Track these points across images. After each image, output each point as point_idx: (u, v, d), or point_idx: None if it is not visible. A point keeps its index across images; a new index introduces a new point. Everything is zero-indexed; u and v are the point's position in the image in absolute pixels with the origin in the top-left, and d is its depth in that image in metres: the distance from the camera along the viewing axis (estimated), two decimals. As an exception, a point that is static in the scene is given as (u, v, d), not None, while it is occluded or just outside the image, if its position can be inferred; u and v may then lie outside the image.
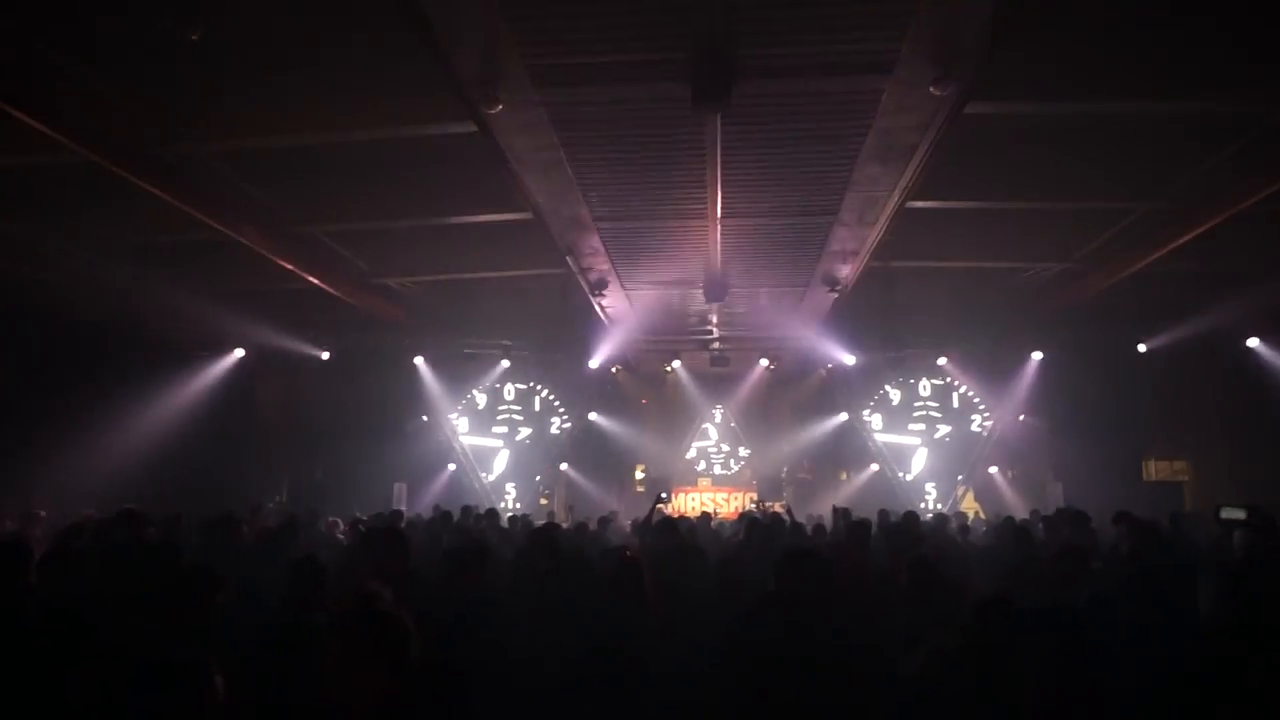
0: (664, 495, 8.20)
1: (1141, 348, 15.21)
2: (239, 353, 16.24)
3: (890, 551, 6.18)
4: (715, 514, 15.17)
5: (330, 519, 11.22)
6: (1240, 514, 3.94)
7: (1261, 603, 3.69)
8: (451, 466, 17.84)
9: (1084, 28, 7.03)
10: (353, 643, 2.42)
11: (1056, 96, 7.89)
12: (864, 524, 7.25)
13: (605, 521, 11.25)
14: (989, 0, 5.50)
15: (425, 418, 17.89)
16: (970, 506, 16.61)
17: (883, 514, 10.54)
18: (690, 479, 19.31)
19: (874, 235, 10.14)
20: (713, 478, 19.55)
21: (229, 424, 15.65)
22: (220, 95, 8.37)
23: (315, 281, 12.76)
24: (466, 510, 11.30)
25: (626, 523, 12.49)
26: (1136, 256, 11.36)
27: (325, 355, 16.71)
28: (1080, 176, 9.63)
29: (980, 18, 5.69)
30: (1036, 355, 16.44)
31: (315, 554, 4.79)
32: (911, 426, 18.59)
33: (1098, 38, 7.17)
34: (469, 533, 8.90)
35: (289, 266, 11.93)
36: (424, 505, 14.34)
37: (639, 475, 19.88)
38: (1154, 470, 16.40)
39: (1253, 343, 14.60)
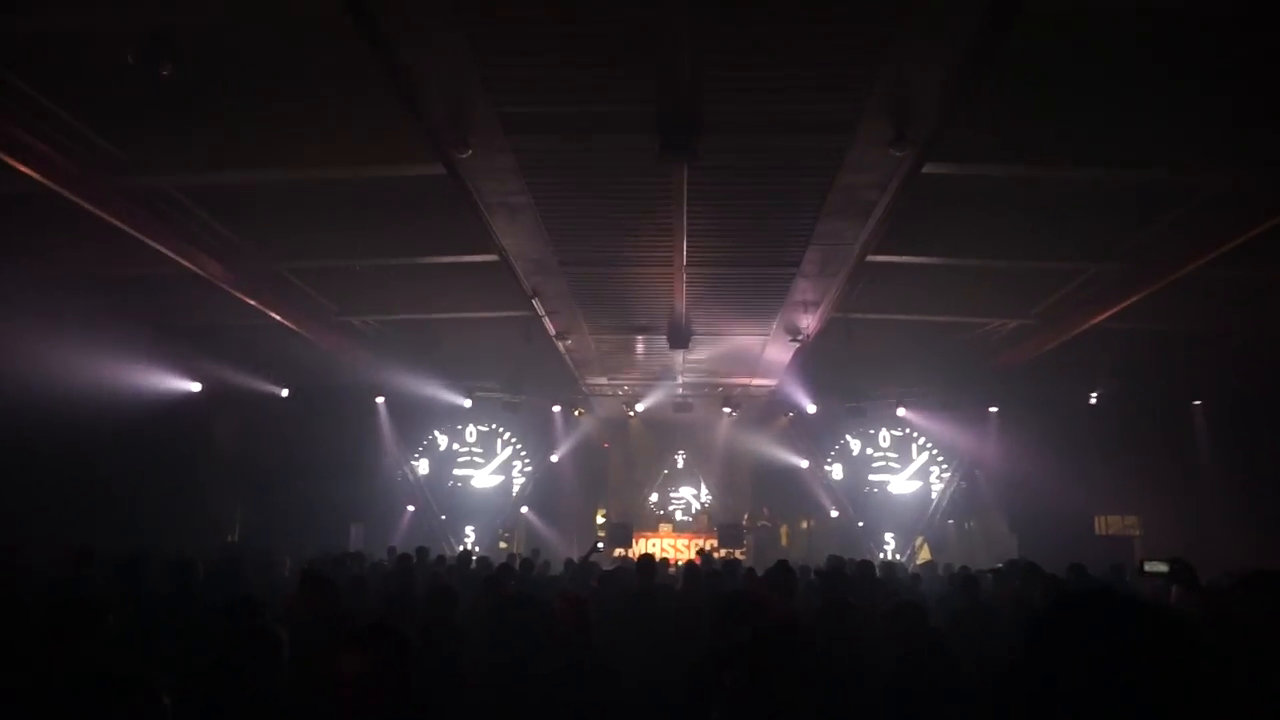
0: (598, 545, 8.68)
1: (1093, 399, 15.58)
2: (194, 387, 15.97)
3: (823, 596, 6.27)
4: (675, 562, 15.10)
5: (283, 559, 10.99)
6: (1163, 567, 4.05)
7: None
8: (411, 508, 17.61)
9: (1039, 96, 7.33)
10: (369, 655, 2.61)
11: (1011, 160, 8.19)
12: (788, 571, 7.27)
13: (570, 564, 11.24)
14: (944, 68, 5.73)
15: (385, 458, 17.69)
16: (926, 557, 16.73)
17: (833, 559, 10.59)
18: (651, 524, 19.25)
19: (835, 287, 10.35)
20: (674, 523, 19.50)
21: (184, 461, 15.32)
22: (188, 130, 8.36)
23: (278, 319, 12.66)
24: (422, 552, 11.12)
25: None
26: (1087, 315, 11.71)
27: (284, 392, 16.50)
28: (1033, 236, 9.93)
29: (937, 84, 5.93)
30: (993, 409, 16.76)
31: (251, 594, 4.74)
32: (871, 477, 18.79)
33: (1052, 106, 7.47)
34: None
35: (253, 303, 11.84)
36: (384, 546, 14.10)
37: (599, 519, 19.78)
38: (1107, 525, 16.69)
39: (1196, 404, 15.04)
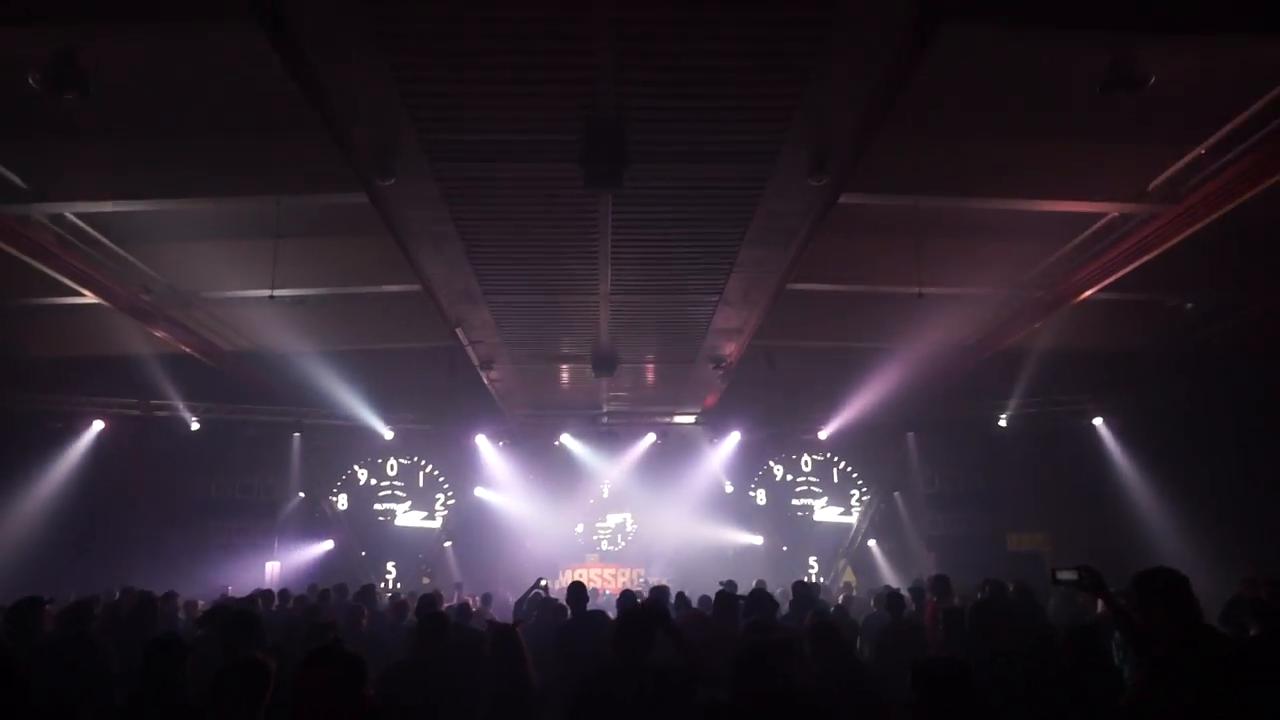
0: (543, 581, 8.66)
1: (1002, 421, 16.22)
2: (97, 425, 15.27)
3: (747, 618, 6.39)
4: (601, 591, 15.01)
5: (190, 600, 10.53)
6: (1073, 575, 4.28)
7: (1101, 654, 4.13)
8: (329, 544, 17.08)
9: (946, 131, 7.70)
10: (324, 674, 2.75)
11: (924, 191, 8.56)
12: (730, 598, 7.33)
13: (488, 599, 11.08)
14: (860, 102, 5.97)
15: (301, 494, 17.15)
16: (849, 579, 17.06)
17: (759, 584, 10.71)
18: (579, 556, 19.08)
19: (757, 315, 10.55)
20: (600, 554, 19.37)
21: (85, 498, 14.60)
22: (95, 157, 8.06)
23: (187, 350, 12.24)
24: (341, 589, 10.79)
25: (511, 599, 12.22)
26: (995, 340, 12.22)
27: (195, 425, 15.87)
28: (947, 264, 10.35)
29: (854, 116, 6.17)
30: (910, 434, 17.28)
31: (175, 632, 4.58)
32: (794, 501, 19.07)
33: (966, 138, 7.86)
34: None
35: (159, 334, 11.42)
36: (299, 584, 13.62)
37: (525, 552, 19.48)
38: (1017, 542, 17.30)
39: (1096, 421, 15.79)
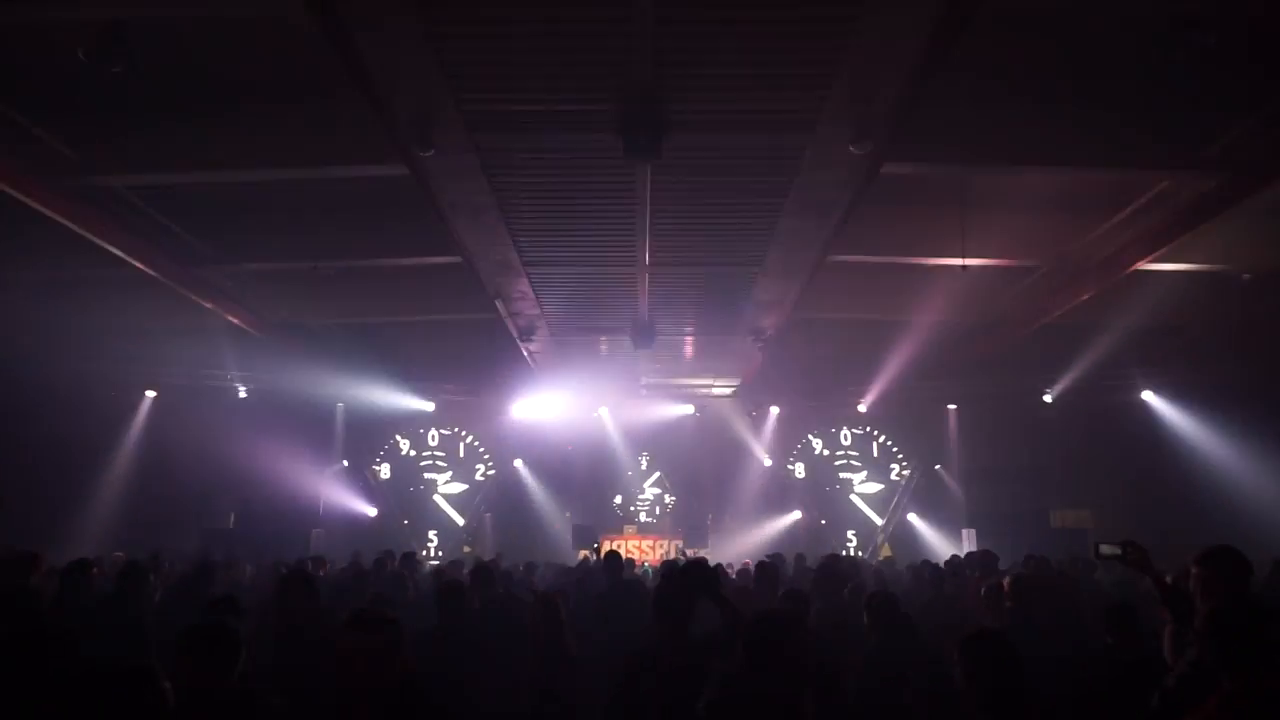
0: (595, 544, 8.68)
1: (1047, 398, 15.92)
2: (150, 395, 15.73)
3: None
4: (641, 562, 15.11)
5: (244, 564, 10.82)
6: (1116, 550, 4.18)
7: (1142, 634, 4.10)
8: (373, 512, 17.42)
9: (996, 94, 7.50)
10: (368, 640, 2.76)
11: (967, 160, 8.36)
12: (769, 566, 7.36)
13: (531, 567, 11.19)
14: (904, 67, 5.84)
15: (345, 462, 17.47)
16: (888, 554, 16.95)
17: (799, 559, 10.69)
18: (616, 526, 19.21)
19: (797, 286, 10.45)
20: (639, 525, 19.49)
21: (137, 465, 15.08)
22: (140, 128, 8.19)
23: (233, 320, 12.48)
24: (387, 555, 10.99)
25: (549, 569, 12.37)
26: (1038, 313, 11.97)
27: (243, 394, 16.23)
28: (989, 235, 10.13)
29: (896, 83, 6.03)
30: (951, 407, 17.05)
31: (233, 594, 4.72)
32: (833, 475, 18.99)
33: (1006, 105, 7.65)
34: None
35: (207, 304, 11.65)
36: (342, 552, 13.92)
37: (565, 522, 19.68)
38: (1061, 519, 17.06)
39: (1147, 395, 15.43)
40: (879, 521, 18.51)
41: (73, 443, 13.80)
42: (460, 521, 18.55)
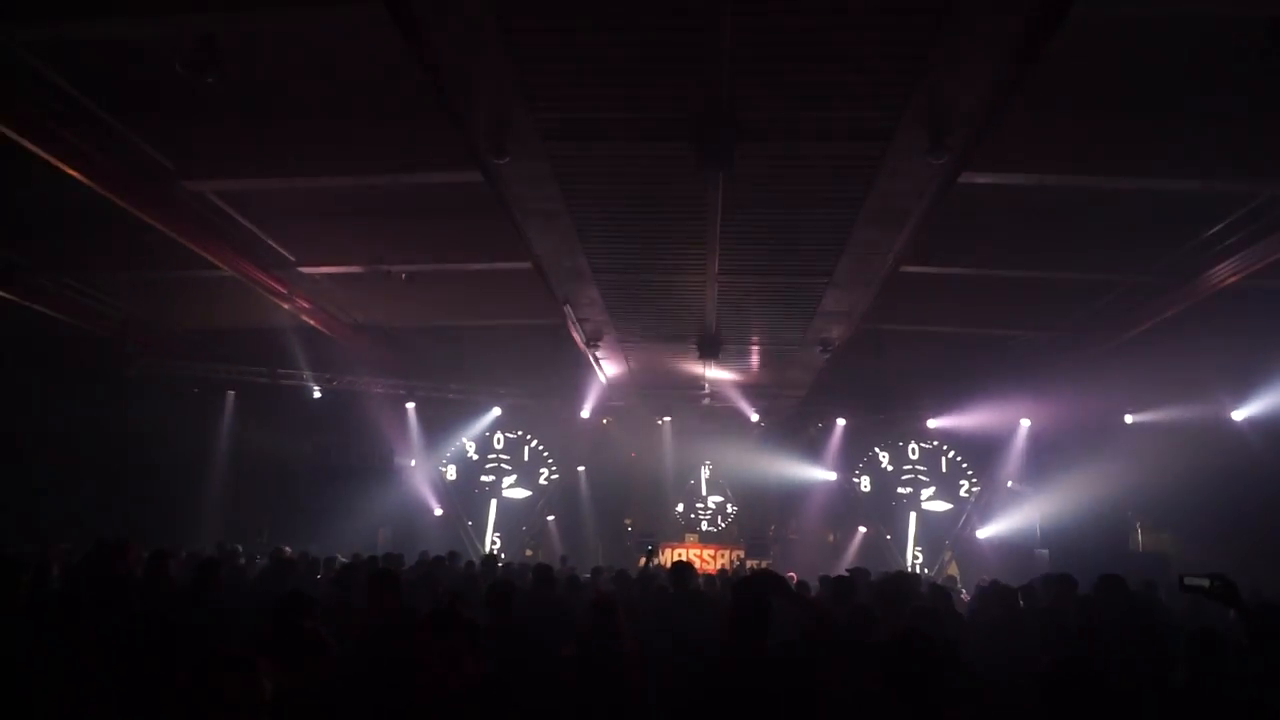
0: (650, 547, 8.73)
1: (1129, 419, 15.35)
2: (230, 394, 16.33)
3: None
4: (700, 571, 15.03)
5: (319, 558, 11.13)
6: (1203, 582, 3.95)
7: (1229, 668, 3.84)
8: (438, 512, 17.72)
9: (1079, 106, 7.30)
10: (450, 639, 2.88)
11: (1048, 170, 8.14)
12: (843, 580, 7.26)
13: (597, 571, 11.30)
14: (986, 77, 5.71)
15: (413, 462, 17.81)
16: (953, 572, 16.55)
17: (860, 573, 10.49)
18: (678, 535, 19.19)
19: (867, 298, 10.30)
20: (700, 534, 19.42)
21: (214, 460, 15.65)
22: (231, 136, 8.53)
23: (311, 323, 12.85)
24: (454, 556, 11.21)
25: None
26: (1122, 328, 11.56)
27: (317, 394, 16.70)
28: (1068, 248, 9.85)
29: (977, 93, 5.90)
30: (1025, 422, 16.57)
31: (301, 589, 4.84)
32: (899, 490, 18.63)
33: (1091, 117, 7.44)
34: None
35: (286, 305, 12.01)
36: (408, 551, 14.19)
37: (626, 529, 19.74)
38: (1140, 543, 16.41)
39: (1237, 416, 14.75)
40: (946, 540, 18.08)
41: (155, 438, 14.38)
42: (523, 526, 18.75)
